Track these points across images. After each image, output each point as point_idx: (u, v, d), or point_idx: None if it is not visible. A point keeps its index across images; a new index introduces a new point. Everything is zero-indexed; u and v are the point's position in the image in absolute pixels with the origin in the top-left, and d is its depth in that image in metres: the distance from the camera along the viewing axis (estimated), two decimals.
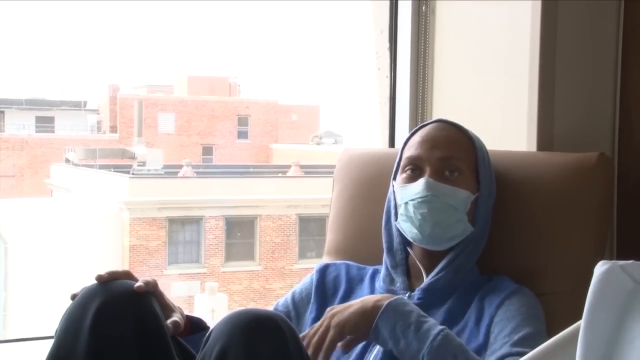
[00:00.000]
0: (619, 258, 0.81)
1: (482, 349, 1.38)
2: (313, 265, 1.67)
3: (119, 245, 13.93)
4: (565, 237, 1.56)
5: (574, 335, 0.77)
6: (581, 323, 0.75)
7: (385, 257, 1.56)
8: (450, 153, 1.50)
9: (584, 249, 1.54)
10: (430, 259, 1.51)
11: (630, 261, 0.77)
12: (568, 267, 1.53)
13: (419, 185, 1.48)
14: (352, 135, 2.44)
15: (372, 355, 1.42)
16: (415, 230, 1.48)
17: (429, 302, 1.46)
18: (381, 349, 1.41)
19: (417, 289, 1.49)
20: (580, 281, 1.48)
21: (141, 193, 14.21)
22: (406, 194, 1.49)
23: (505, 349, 1.34)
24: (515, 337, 1.35)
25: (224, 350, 1.19)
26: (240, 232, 15.03)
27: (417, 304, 1.45)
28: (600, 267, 0.76)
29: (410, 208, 1.48)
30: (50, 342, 1.28)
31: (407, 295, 1.49)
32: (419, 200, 1.47)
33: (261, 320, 1.23)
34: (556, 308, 1.47)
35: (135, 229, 14.05)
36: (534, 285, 1.49)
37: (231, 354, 1.18)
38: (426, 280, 1.49)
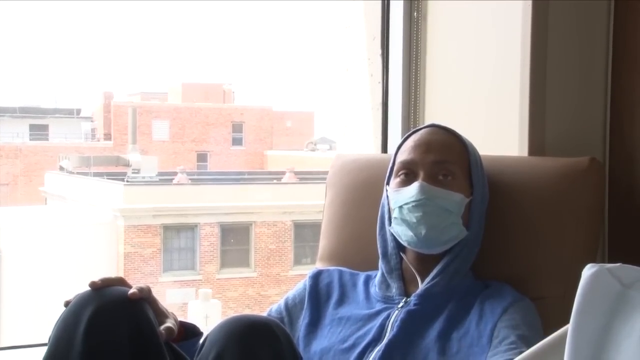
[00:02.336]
0: (610, 262, 0.81)
1: (484, 351, 1.37)
2: (308, 271, 1.67)
3: (113, 252, 13.89)
4: (557, 241, 1.56)
5: (562, 338, 0.77)
6: (569, 326, 0.75)
7: (380, 262, 1.56)
8: (444, 157, 1.50)
9: (576, 253, 1.55)
10: (424, 263, 1.51)
11: (618, 264, 0.77)
12: (559, 271, 1.54)
13: (413, 189, 1.48)
14: (345, 140, 2.44)
15: (372, 357, 1.42)
16: (410, 234, 1.48)
17: (427, 308, 1.46)
18: (380, 351, 1.41)
19: (413, 294, 1.48)
20: (571, 285, 1.46)
21: (136, 200, 14.18)
22: (400, 198, 1.50)
23: (511, 355, 1.32)
24: (524, 348, 1.33)
25: (220, 356, 1.20)
26: (235, 238, 15.01)
27: (413, 310, 1.46)
28: (588, 270, 0.77)
29: (405, 212, 1.48)
30: (44, 349, 1.28)
31: (403, 300, 1.49)
32: (413, 204, 1.47)
33: (256, 326, 1.24)
34: (548, 312, 1.47)
35: (130, 237, 14.02)
36: (526, 290, 1.49)
37: None
38: (422, 285, 1.49)
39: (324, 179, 1.91)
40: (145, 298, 1.32)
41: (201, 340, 1.29)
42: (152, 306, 1.33)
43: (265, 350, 1.21)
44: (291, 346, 1.26)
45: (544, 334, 1.38)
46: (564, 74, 1.84)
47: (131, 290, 1.30)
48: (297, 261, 15.25)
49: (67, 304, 1.30)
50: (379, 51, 2.25)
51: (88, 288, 1.31)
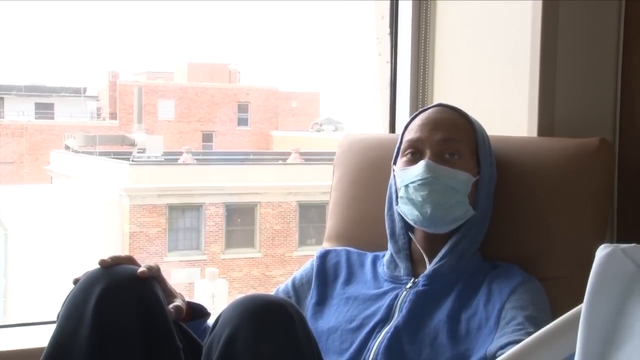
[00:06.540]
0: (619, 242, 0.81)
1: (492, 332, 1.37)
2: (313, 252, 1.67)
3: (119, 232, 13.92)
4: (566, 222, 1.56)
5: (575, 318, 0.77)
6: (582, 306, 0.75)
7: (389, 242, 1.56)
8: (451, 135, 1.50)
9: (584, 234, 1.54)
10: (432, 244, 1.50)
11: (632, 244, 0.76)
12: (568, 251, 1.54)
13: (419, 167, 1.47)
14: (353, 120, 2.43)
15: (372, 353, 1.42)
16: (416, 212, 1.47)
17: (435, 289, 1.46)
18: (381, 344, 1.41)
19: (421, 275, 1.48)
20: (580, 266, 1.48)
21: (141, 180, 14.20)
22: (406, 176, 1.49)
23: (519, 336, 1.32)
24: (531, 329, 1.33)
25: (233, 335, 1.19)
26: (240, 219, 15.03)
27: (422, 291, 1.46)
28: (601, 251, 0.76)
29: (411, 190, 1.48)
30: (53, 327, 1.29)
31: (411, 280, 1.49)
32: (420, 182, 1.47)
33: (271, 305, 1.23)
34: (556, 293, 1.47)
35: (135, 216, 14.05)
36: (534, 270, 1.49)
37: (240, 339, 1.18)
38: (430, 266, 1.49)
39: (330, 159, 1.90)
40: (154, 277, 1.32)
41: (213, 320, 1.29)
42: (161, 285, 1.34)
43: (279, 330, 1.20)
44: (304, 326, 1.26)
45: (552, 314, 1.38)
46: (574, 53, 1.82)
47: (140, 269, 1.30)
48: (302, 242, 15.28)
49: (76, 281, 1.30)
50: (388, 30, 2.24)
51: (97, 266, 1.31)
